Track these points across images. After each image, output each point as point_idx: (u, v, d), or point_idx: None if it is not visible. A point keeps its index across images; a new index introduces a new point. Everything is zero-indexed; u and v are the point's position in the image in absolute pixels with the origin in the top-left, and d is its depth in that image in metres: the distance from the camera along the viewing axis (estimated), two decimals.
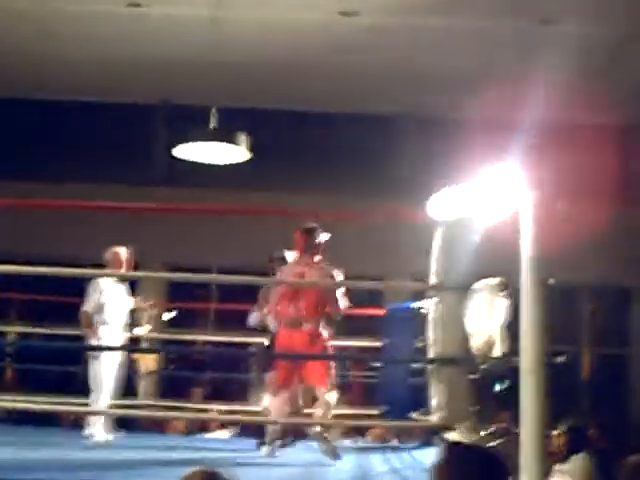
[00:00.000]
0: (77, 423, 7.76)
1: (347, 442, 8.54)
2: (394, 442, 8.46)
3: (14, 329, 10.21)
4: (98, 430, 6.76)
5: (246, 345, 8.82)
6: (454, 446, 2.76)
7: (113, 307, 6.95)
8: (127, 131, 11.94)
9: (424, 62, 9.91)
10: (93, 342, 6.86)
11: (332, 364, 6.26)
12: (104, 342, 6.84)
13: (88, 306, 6.86)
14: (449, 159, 9.14)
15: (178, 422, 9.11)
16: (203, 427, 9.34)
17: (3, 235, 10.29)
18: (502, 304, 4.74)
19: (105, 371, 6.79)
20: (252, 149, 8.38)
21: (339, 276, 6.12)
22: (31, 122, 12.00)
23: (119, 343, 7.03)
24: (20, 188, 9.77)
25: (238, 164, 8.99)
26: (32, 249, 10.30)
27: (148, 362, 9.87)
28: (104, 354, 6.77)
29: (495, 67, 9.62)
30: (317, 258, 6.23)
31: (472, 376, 4.91)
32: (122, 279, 7.08)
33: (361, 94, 10.98)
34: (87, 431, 6.82)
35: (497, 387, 5.19)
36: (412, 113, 11.66)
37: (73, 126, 11.98)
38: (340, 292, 6.11)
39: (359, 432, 8.89)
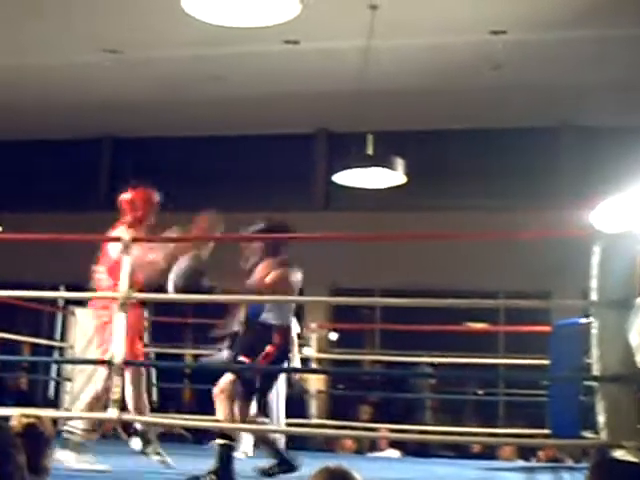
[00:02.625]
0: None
1: (519, 462, 8.48)
2: (568, 462, 8.31)
3: (190, 351, 10.70)
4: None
5: (412, 364, 8.91)
6: (605, 459, 2.76)
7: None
8: (288, 161, 12.38)
9: (578, 74, 9.78)
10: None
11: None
12: None
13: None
14: (612, 170, 8.96)
15: (347, 441, 9.27)
16: (373, 446, 9.47)
17: None
18: None
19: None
20: (408, 171, 8.49)
21: None
22: (195, 157, 12.63)
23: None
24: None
25: (393, 186, 9.13)
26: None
27: (317, 382, 10.09)
28: None
29: None
30: None
31: None
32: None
33: (515, 109, 10.92)
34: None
35: None
36: (571, 124, 11.49)
37: (237, 158, 12.52)
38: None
39: (530, 451, 8.80)
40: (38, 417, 3.23)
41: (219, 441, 4.88)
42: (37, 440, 2.97)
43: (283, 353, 5.31)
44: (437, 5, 8.54)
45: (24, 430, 2.97)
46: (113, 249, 5.29)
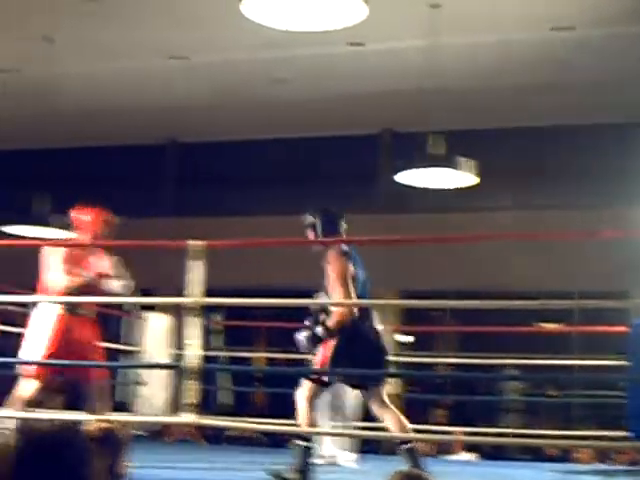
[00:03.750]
0: None
1: (596, 465, 8.29)
2: None
3: (263, 355, 10.72)
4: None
5: (489, 367, 8.79)
6: None
7: None
8: (352, 161, 12.36)
9: None
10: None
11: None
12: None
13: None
14: None
15: (420, 444, 9.18)
16: (447, 449, 9.36)
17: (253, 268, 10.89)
18: None
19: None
20: (476, 171, 8.36)
21: None
22: (259, 160, 12.69)
23: None
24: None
25: (458, 186, 9.02)
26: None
27: (389, 385, 10.00)
28: None
29: None
30: None
31: None
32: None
33: (581, 106, 10.72)
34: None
35: None
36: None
37: (301, 160, 12.55)
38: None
39: (607, 455, 8.61)
40: (114, 421, 3.24)
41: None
42: (113, 445, 2.96)
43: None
44: (498, 2, 8.44)
45: (100, 435, 2.96)
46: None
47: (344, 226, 5.49)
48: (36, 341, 5.41)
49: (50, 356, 5.36)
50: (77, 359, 5.38)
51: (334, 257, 5.10)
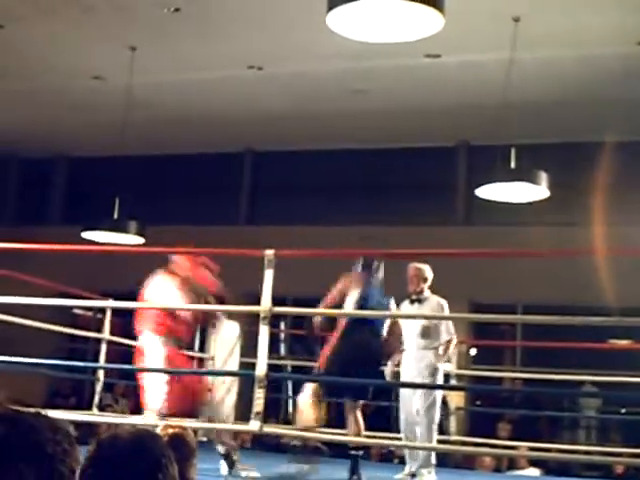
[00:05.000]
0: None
1: None
2: None
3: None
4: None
5: (555, 382, 8.70)
6: None
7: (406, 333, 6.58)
8: (428, 174, 12.34)
9: None
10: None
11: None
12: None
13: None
14: None
15: (486, 458, 9.14)
16: (512, 464, 9.30)
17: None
18: None
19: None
20: (551, 186, 8.29)
21: None
22: (334, 170, 12.74)
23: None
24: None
25: (535, 201, 8.93)
26: None
27: (456, 398, 9.98)
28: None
29: None
30: None
31: None
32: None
33: None
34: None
35: None
36: None
37: (377, 171, 12.56)
38: None
39: None
40: (183, 427, 3.33)
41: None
42: (183, 450, 3.03)
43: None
44: (582, 16, 8.35)
45: (170, 440, 3.03)
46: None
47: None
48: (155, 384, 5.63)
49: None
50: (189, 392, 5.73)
51: None
